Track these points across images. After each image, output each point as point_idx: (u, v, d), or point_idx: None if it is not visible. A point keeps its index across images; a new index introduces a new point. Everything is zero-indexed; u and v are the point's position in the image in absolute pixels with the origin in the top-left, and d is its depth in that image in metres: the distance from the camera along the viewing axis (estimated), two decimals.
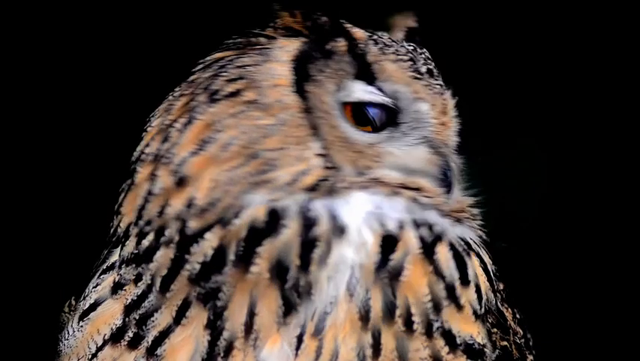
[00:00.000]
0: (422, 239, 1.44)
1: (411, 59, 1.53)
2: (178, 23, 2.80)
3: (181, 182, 1.48)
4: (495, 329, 1.52)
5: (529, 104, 3.01)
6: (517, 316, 1.60)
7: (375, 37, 1.56)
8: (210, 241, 1.43)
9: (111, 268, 1.53)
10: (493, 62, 2.85)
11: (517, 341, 1.57)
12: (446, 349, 1.44)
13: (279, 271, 1.41)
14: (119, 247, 1.54)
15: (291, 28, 1.56)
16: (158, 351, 1.44)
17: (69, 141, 2.91)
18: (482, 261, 1.51)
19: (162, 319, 1.45)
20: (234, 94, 1.52)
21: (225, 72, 1.54)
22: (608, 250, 3.04)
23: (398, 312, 1.42)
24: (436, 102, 1.52)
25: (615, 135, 3.03)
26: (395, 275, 1.42)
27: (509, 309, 1.59)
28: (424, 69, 1.53)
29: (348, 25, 1.58)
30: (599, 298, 3.03)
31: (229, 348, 1.42)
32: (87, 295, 1.53)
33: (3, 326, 2.85)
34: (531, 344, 1.62)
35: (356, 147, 1.50)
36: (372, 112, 1.51)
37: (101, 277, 1.53)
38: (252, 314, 1.41)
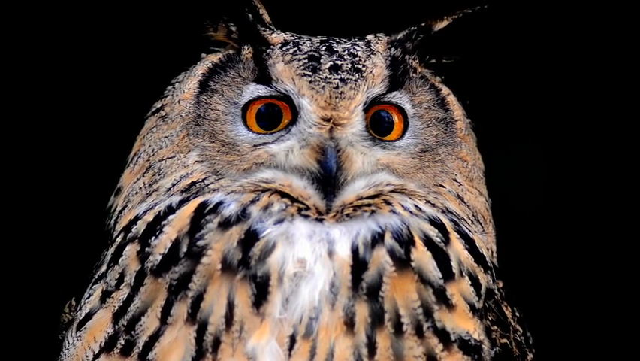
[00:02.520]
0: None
1: (309, 58, 1.55)
2: (178, 24, 2.79)
3: (118, 191, 1.65)
4: (495, 327, 1.52)
5: (528, 105, 3.01)
6: (517, 314, 1.60)
7: (291, 39, 1.60)
8: (169, 234, 1.50)
9: (102, 276, 1.55)
10: (493, 63, 2.85)
11: (518, 338, 1.57)
12: (440, 347, 1.45)
13: (228, 263, 1.46)
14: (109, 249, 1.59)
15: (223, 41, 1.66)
16: (150, 356, 1.46)
17: (69, 141, 2.90)
18: (467, 239, 1.54)
19: (150, 322, 1.47)
20: (157, 110, 1.66)
21: (166, 89, 1.68)
22: (608, 249, 3.04)
23: (387, 317, 1.44)
24: (318, 97, 1.52)
25: (615, 135, 3.03)
26: (374, 290, 1.45)
27: (509, 307, 1.59)
28: (326, 66, 1.54)
29: (267, 31, 1.62)
30: (599, 298, 3.03)
31: (216, 343, 1.43)
32: (83, 306, 1.55)
33: (3, 326, 2.85)
34: (531, 342, 1.62)
35: (240, 150, 1.57)
36: (263, 110, 1.58)
37: (93, 287, 1.56)
38: (231, 306, 1.44)
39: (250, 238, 1.47)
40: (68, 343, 1.55)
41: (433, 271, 1.47)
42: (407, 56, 1.62)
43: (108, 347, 1.49)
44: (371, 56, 1.57)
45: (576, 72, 2.97)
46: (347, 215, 1.51)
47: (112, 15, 2.81)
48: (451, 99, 1.66)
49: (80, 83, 2.89)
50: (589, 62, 2.96)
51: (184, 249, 1.48)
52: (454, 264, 1.49)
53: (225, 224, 1.48)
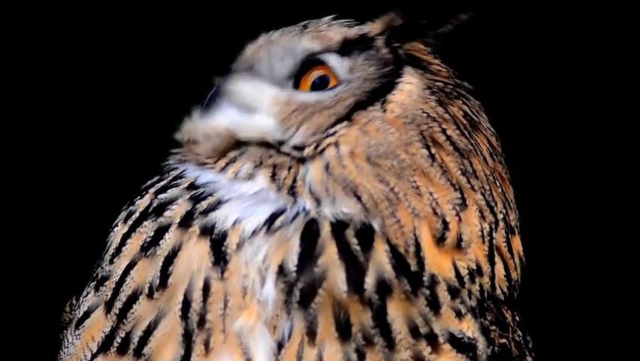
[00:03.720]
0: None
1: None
2: (178, 24, 2.80)
3: None
4: (494, 327, 1.52)
5: (528, 104, 3.02)
6: (517, 318, 1.60)
7: None
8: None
9: (100, 272, 1.57)
10: (492, 62, 2.86)
11: (517, 339, 1.57)
12: (428, 349, 1.45)
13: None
14: None
15: None
16: (145, 350, 1.47)
17: (69, 140, 2.91)
18: (390, 244, 1.48)
19: (141, 309, 1.48)
20: None
21: None
22: (608, 250, 3.04)
23: (354, 330, 1.43)
24: None
25: (615, 136, 3.03)
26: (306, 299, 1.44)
27: (509, 311, 1.58)
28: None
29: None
30: (598, 300, 3.03)
31: (202, 322, 1.44)
32: (81, 304, 1.56)
33: (4, 326, 2.85)
34: (531, 346, 1.61)
35: None
36: None
37: (90, 284, 1.57)
38: (207, 280, 1.45)
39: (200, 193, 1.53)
40: (67, 341, 1.56)
41: (339, 284, 1.44)
42: (376, 35, 1.64)
43: (105, 346, 1.50)
44: (330, 23, 1.65)
45: (576, 72, 2.98)
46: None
47: (113, 15, 2.82)
48: (403, 87, 1.59)
49: (80, 83, 2.89)
50: (589, 62, 2.96)
51: (154, 204, 1.52)
52: (369, 280, 1.44)
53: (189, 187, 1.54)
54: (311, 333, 1.43)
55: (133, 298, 1.49)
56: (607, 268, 3.04)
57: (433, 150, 1.54)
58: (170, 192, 1.55)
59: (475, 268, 1.52)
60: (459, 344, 1.47)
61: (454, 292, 1.49)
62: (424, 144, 1.53)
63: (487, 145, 1.61)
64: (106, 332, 1.50)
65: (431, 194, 1.51)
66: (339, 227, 1.46)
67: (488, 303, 1.53)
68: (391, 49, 1.63)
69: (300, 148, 1.54)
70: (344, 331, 1.43)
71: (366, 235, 1.46)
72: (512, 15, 2.81)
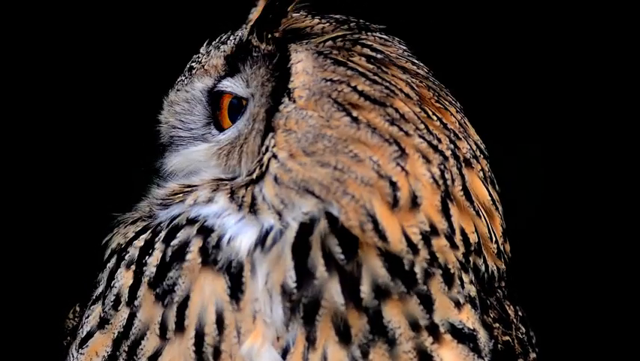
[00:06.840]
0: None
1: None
2: (178, 23, 2.80)
3: None
4: (497, 324, 1.51)
5: (528, 109, 3.02)
6: (520, 313, 1.59)
7: None
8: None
9: (100, 297, 1.55)
10: (492, 66, 2.86)
11: (520, 336, 1.56)
12: (430, 340, 1.44)
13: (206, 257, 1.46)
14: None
15: None
16: None
17: (75, 143, 2.91)
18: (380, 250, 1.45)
19: (149, 344, 1.46)
20: None
21: None
22: (607, 251, 3.04)
23: (353, 332, 1.43)
24: None
25: (615, 139, 3.03)
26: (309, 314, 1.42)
27: (512, 306, 1.57)
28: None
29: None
30: (597, 301, 3.03)
31: (217, 353, 1.43)
32: (84, 324, 1.55)
33: (8, 332, 2.85)
34: (534, 341, 1.61)
35: None
36: None
37: (92, 307, 1.56)
38: (219, 312, 1.43)
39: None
40: (72, 356, 1.56)
41: (335, 297, 1.42)
42: (250, 37, 1.58)
43: None
44: (207, 51, 1.63)
45: (576, 72, 2.98)
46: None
47: (113, 15, 2.82)
48: (296, 68, 1.51)
49: (80, 82, 2.89)
50: (589, 65, 2.96)
51: (169, 253, 1.48)
52: (364, 288, 1.42)
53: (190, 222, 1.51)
54: (311, 340, 1.41)
55: (141, 337, 1.47)
56: (604, 268, 3.04)
57: (355, 113, 1.46)
58: (180, 235, 1.50)
59: (428, 229, 1.45)
60: (459, 334, 1.46)
61: (450, 282, 1.46)
62: (342, 110, 1.46)
63: (405, 77, 1.51)
64: (109, 352, 1.50)
65: (371, 158, 1.44)
66: (304, 232, 1.43)
67: (491, 300, 1.52)
68: (268, 40, 1.56)
69: (249, 174, 1.51)
70: (343, 335, 1.42)
71: (349, 241, 1.42)
72: (513, 18, 2.81)
